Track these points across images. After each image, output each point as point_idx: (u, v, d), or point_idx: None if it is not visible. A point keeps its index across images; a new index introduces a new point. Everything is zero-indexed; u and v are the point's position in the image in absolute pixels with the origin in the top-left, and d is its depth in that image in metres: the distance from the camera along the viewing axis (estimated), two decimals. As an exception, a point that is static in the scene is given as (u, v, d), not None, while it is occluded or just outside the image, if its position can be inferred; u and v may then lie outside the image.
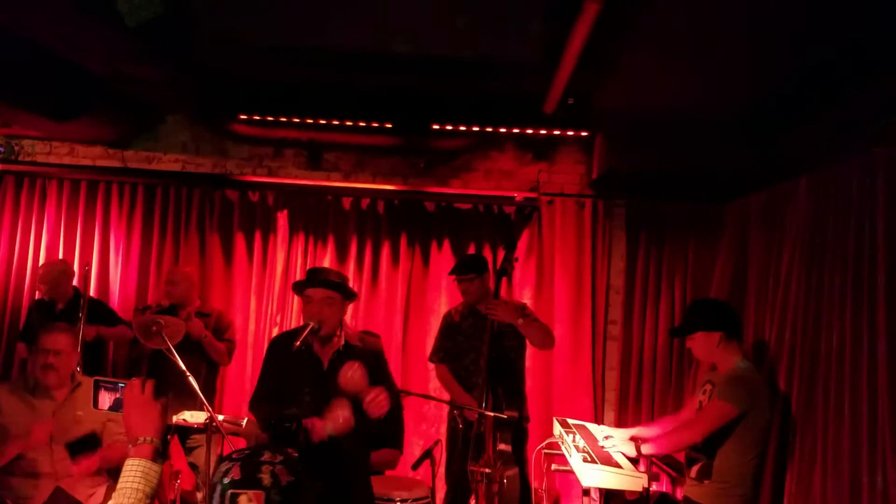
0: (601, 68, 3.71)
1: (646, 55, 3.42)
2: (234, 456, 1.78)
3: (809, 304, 3.61)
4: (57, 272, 5.00)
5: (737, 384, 3.33)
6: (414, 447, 5.09)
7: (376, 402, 2.98)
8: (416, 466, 3.84)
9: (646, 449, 3.46)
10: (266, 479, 1.68)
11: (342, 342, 3.25)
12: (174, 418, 3.97)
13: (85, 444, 3.44)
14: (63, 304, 4.95)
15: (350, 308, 5.36)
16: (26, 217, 5.65)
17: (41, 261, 5.56)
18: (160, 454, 1.88)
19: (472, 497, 4.04)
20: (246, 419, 3.97)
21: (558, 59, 3.59)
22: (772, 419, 3.53)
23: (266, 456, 1.74)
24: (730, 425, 3.29)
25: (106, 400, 2.19)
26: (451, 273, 4.53)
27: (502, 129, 5.13)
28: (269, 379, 3.30)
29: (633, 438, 3.66)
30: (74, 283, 5.11)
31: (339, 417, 2.92)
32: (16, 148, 5.66)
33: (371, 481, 3.35)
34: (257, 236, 5.57)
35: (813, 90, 3.41)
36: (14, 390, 3.55)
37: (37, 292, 5.23)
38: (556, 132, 5.16)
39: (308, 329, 3.04)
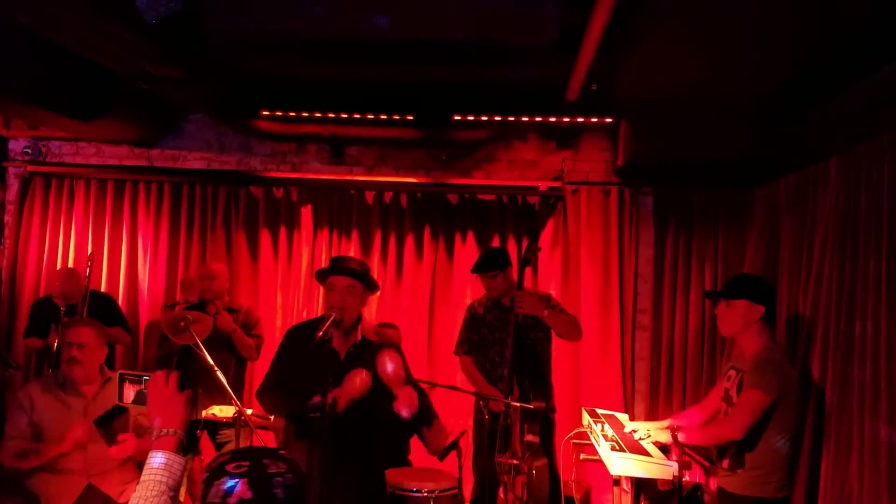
0: (623, 52, 3.65)
1: (668, 37, 3.35)
2: (230, 469, 1.54)
3: (843, 288, 3.52)
4: (66, 278, 5.03)
5: (766, 370, 3.22)
6: (442, 440, 5.07)
7: (411, 401, 3.01)
8: (442, 457, 3.82)
9: (682, 437, 3.35)
10: (280, 492, 1.52)
11: (359, 336, 3.24)
12: (203, 413, 3.99)
13: (114, 417, 3.30)
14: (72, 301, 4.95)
15: (375, 301, 5.36)
16: (55, 217, 5.72)
17: (70, 261, 5.63)
18: (184, 446, 1.87)
19: (501, 489, 4.02)
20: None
21: (579, 44, 3.54)
22: (800, 401, 3.42)
23: (272, 467, 1.55)
24: (764, 413, 3.19)
25: (130, 393, 2.21)
26: (474, 271, 4.45)
27: (524, 118, 5.08)
28: (281, 368, 3.29)
29: (668, 427, 3.54)
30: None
31: (355, 382, 2.97)
32: (43, 149, 5.75)
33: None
34: (282, 232, 5.60)
35: (839, 67, 3.31)
36: (46, 387, 3.57)
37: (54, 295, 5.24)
38: (580, 120, 5.09)
39: (330, 320, 3.03)
